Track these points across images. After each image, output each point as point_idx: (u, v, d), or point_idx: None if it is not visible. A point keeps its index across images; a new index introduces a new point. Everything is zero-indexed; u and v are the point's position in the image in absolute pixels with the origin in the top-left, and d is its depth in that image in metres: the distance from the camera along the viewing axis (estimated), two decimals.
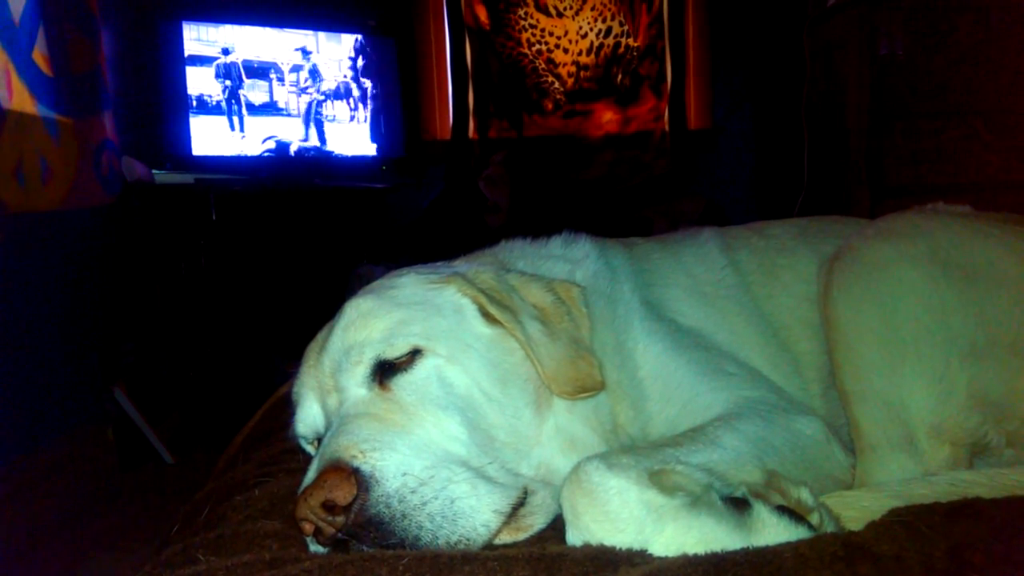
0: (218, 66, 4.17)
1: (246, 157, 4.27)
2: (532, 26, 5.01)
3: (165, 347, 3.88)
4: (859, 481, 1.18)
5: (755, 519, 0.91)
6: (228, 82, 4.19)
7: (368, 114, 4.66)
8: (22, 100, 2.92)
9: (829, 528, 0.93)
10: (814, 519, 0.93)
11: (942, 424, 1.14)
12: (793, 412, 1.20)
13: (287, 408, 1.32)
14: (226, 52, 4.19)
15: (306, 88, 4.45)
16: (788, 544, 0.84)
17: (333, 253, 4.33)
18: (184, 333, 3.90)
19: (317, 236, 4.32)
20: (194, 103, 4.11)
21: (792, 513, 0.93)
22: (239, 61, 4.23)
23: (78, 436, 3.26)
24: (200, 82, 4.12)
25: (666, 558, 0.87)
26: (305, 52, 4.44)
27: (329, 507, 0.95)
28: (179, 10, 4.08)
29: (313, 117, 4.48)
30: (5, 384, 2.84)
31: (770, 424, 1.13)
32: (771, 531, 0.90)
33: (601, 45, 5.05)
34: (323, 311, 1.34)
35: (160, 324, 3.93)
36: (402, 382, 1.10)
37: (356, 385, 1.12)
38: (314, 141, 4.48)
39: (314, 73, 4.47)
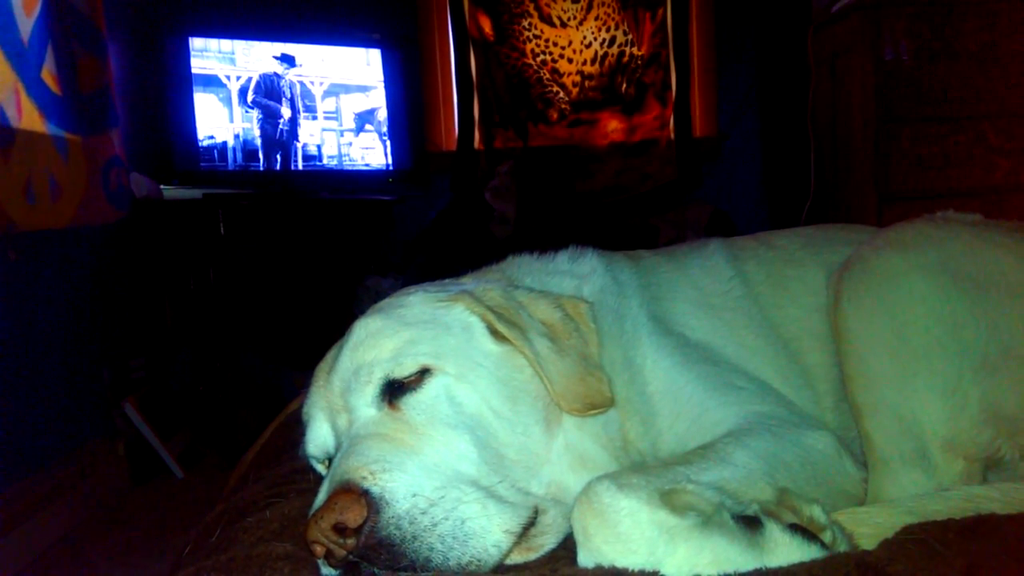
0: (225, 81, 4.20)
1: (253, 171, 4.30)
2: (536, 36, 5.02)
3: (175, 361, 3.90)
4: (871, 496, 1.17)
5: (767, 538, 0.90)
6: (236, 96, 4.22)
7: (375, 126, 4.68)
8: (31, 119, 2.95)
9: (842, 546, 0.92)
10: (827, 537, 0.93)
11: (955, 438, 1.13)
12: (804, 426, 1.19)
13: (297, 425, 1.32)
14: (233, 66, 4.22)
15: (313, 102, 4.47)
16: (801, 565, 0.84)
17: (341, 265, 4.34)
18: (194, 347, 3.92)
19: (325, 248, 4.33)
20: (202, 118, 4.14)
21: (804, 531, 0.92)
22: (246, 76, 4.25)
23: (88, 451, 3.27)
24: (207, 97, 4.15)
25: None
26: (313, 65, 4.46)
27: (340, 529, 0.94)
28: (186, 26, 4.12)
29: (320, 130, 4.50)
30: (16, 399, 2.86)
31: (781, 439, 1.12)
32: (784, 550, 0.89)
33: (605, 54, 5.06)
34: (332, 323, 1.34)
35: (170, 338, 3.95)
36: (411, 401, 1.10)
37: (365, 405, 1.12)
38: (322, 153, 4.50)
39: (321, 86, 4.49)
